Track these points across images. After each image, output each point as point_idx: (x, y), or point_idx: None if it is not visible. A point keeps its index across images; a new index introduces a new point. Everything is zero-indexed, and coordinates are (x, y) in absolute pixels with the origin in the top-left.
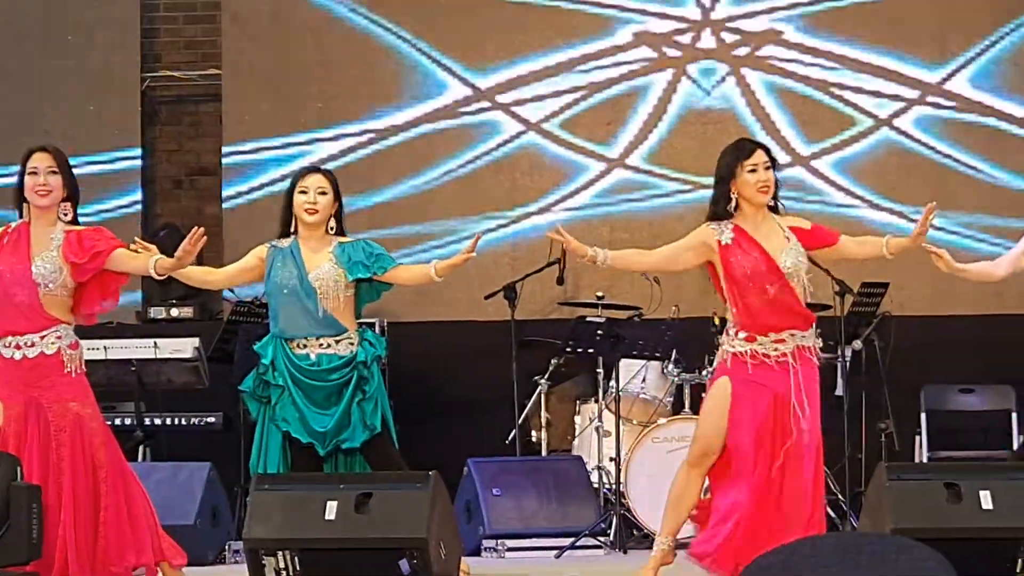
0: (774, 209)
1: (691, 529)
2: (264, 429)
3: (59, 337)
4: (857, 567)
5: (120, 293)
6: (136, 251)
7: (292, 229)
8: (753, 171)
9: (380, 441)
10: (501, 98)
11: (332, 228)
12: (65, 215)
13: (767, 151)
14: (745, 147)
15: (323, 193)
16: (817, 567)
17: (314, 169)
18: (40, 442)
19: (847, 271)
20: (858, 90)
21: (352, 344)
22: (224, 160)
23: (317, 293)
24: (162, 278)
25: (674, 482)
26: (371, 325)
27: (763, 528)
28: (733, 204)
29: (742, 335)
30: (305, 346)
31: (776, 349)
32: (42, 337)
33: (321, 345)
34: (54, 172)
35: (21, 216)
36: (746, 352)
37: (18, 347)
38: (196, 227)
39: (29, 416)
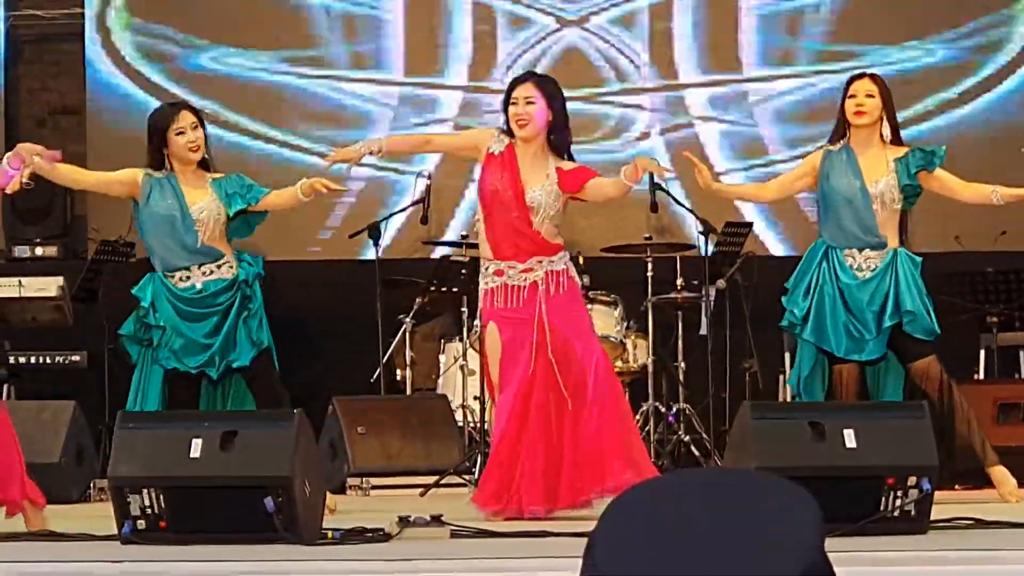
0: (557, 148)
1: None
2: (143, 371)
3: None
4: (722, 501)
5: None
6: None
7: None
8: (514, 104)
9: (266, 360)
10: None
11: (207, 157)
12: None
13: (538, 83)
14: (515, 80)
15: (196, 128)
16: (682, 501)
17: (177, 106)
18: None
19: (711, 211)
20: None
21: (232, 267)
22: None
23: (198, 226)
24: (16, 190)
25: None
26: None
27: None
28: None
29: (491, 268)
30: (188, 277)
31: (525, 279)
32: None
33: (204, 272)
34: None
35: None
36: (498, 287)
37: None
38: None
39: None
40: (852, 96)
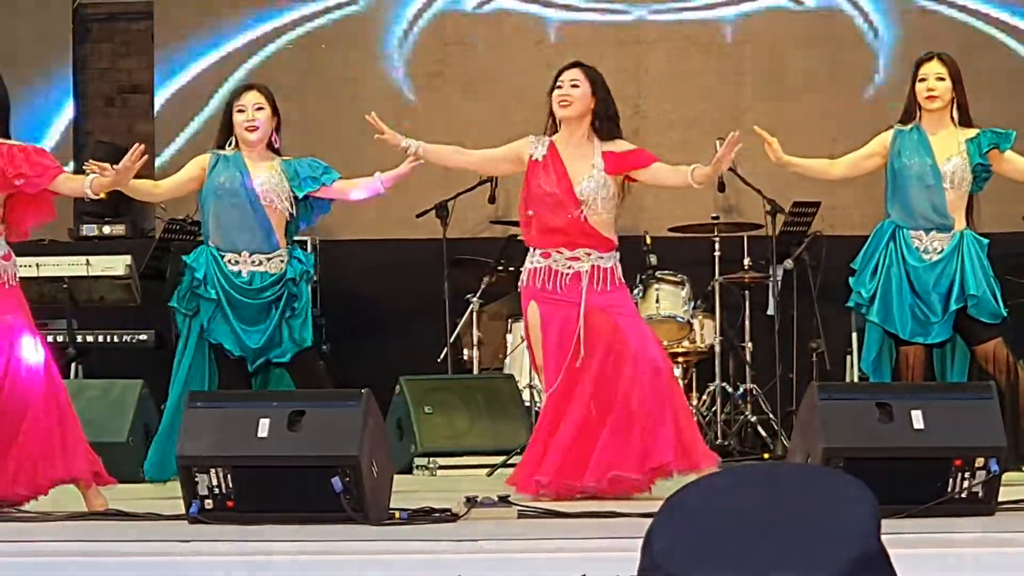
0: (602, 133)
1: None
2: (187, 343)
3: None
4: (778, 494)
5: (55, 208)
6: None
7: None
8: (559, 87)
9: (308, 356)
10: None
11: (276, 142)
12: None
13: (584, 70)
14: (566, 65)
15: (260, 109)
16: (739, 495)
17: (249, 86)
18: None
19: (776, 191)
20: None
21: (283, 262)
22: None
23: (261, 200)
24: (98, 197)
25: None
26: (303, 243)
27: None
28: (554, 117)
29: (539, 251)
30: (237, 262)
31: (570, 267)
32: None
33: (254, 262)
34: None
35: None
36: (542, 268)
37: None
38: (136, 144)
39: None
40: (923, 79)
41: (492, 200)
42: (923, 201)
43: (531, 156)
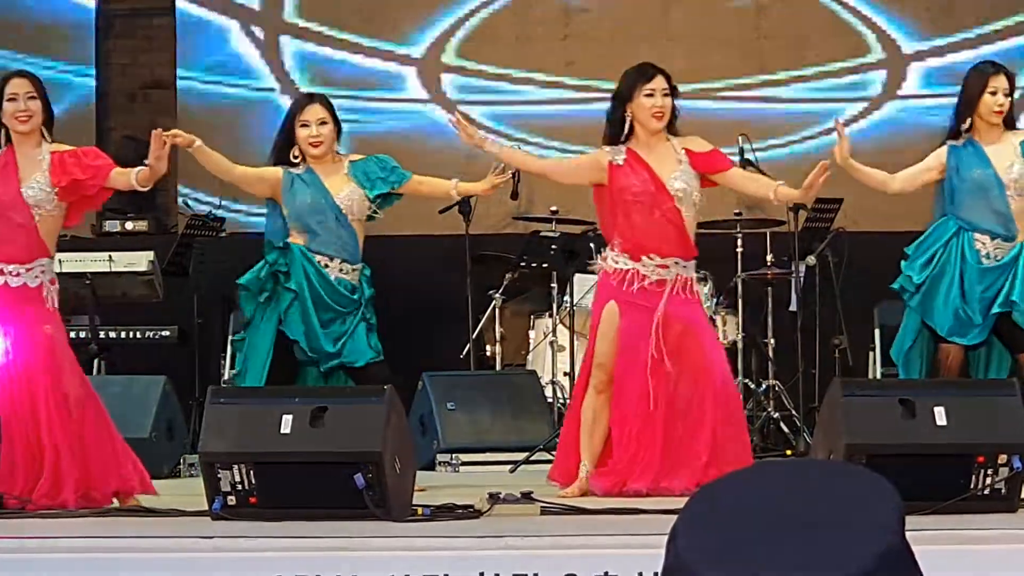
0: (672, 131)
1: None
2: (261, 330)
3: (43, 271)
4: (803, 489)
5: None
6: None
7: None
8: (650, 95)
9: (380, 369)
10: None
11: (338, 151)
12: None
13: (667, 77)
14: (646, 71)
15: (324, 123)
16: (763, 491)
17: (311, 98)
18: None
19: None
20: None
21: (358, 273)
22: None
23: (345, 213)
24: (146, 189)
25: (584, 410)
26: None
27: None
28: (628, 125)
29: (625, 254)
30: (328, 266)
31: (657, 273)
32: (28, 269)
33: (341, 270)
34: (33, 97)
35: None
36: (629, 270)
37: (1, 272)
38: (155, 132)
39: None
40: (993, 92)
41: (515, 196)
42: (987, 211)
43: (611, 162)
